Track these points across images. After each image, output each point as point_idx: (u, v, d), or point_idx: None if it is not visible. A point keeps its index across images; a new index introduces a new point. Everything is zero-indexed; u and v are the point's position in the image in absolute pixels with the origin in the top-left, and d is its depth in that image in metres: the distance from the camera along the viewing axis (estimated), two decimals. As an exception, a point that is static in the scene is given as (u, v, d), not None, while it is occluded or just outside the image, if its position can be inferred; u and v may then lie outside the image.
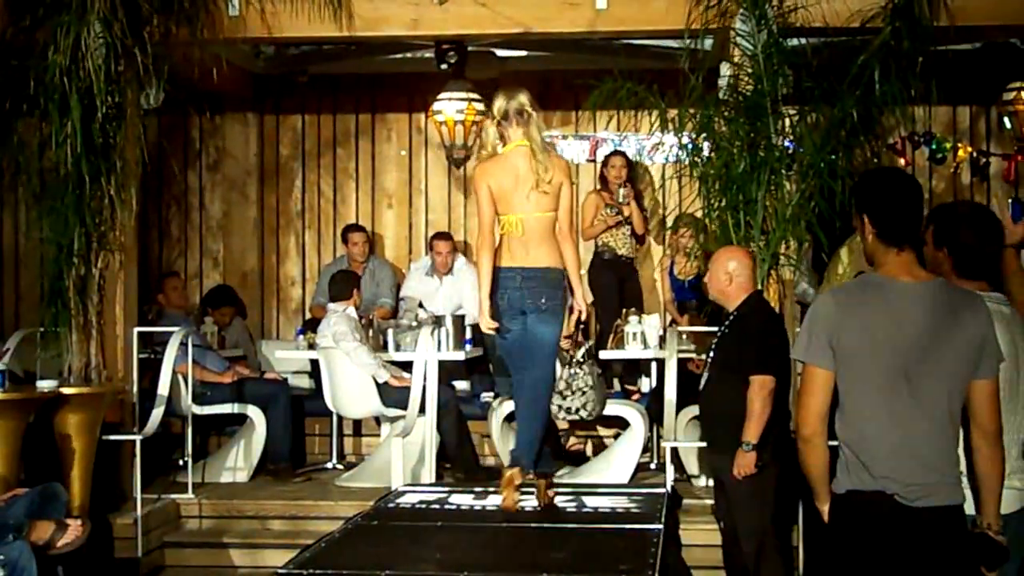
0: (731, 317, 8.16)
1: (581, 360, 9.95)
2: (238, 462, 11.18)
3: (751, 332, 7.98)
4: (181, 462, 10.60)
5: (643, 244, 12.92)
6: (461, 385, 12.04)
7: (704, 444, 8.84)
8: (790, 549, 8.91)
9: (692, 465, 10.38)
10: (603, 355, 11.88)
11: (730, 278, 8.15)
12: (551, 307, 8.20)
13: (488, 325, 8.20)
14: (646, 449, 11.05)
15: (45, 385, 9.05)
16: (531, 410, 8.39)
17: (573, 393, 9.86)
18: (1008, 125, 12.70)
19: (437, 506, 8.76)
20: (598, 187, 12.73)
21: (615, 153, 12.63)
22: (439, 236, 12.84)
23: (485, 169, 8.31)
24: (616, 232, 12.43)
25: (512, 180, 8.14)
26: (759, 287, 8.98)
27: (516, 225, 8.11)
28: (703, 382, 8.38)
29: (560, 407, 9.96)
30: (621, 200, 12.37)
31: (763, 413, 7.75)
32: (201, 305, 13.21)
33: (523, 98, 8.19)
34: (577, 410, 10.06)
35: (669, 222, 12.59)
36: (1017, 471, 5.45)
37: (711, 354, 8.33)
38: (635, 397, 11.82)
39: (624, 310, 11.78)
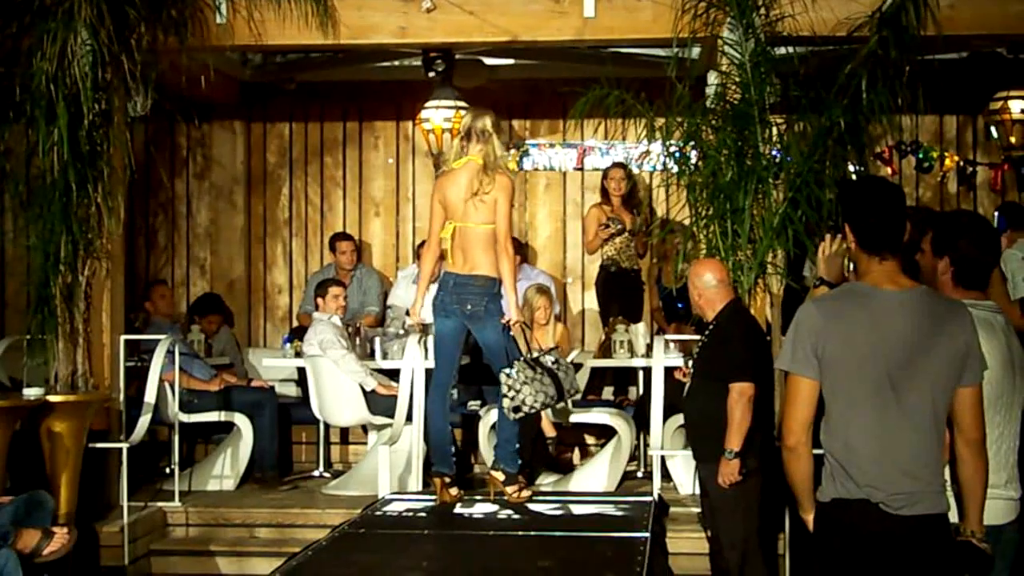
0: (710, 326, 8.22)
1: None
2: (225, 470, 11.16)
3: (729, 340, 8.06)
4: (168, 470, 10.59)
5: (644, 257, 12.86)
6: (448, 393, 12.02)
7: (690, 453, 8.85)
8: (776, 558, 8.92)
9: (679, 473, 10.37)
10: (590, 363, 11.90)
11: (704, 290, 8.22)
12: (476, 312, 8.86)
13: (414, 320, 9.39)
14: (633, 457, 11.07)
15: (31, 393, 9.05)
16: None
17: (518, 392, 8.92)
18: (995, 134, 12.73)
19: (424, 514, 8.76)
20: (600, 201, 12.72)
21: (616, 165, 12.62)
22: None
23: (438, 183, 9.29)
24: (620, 246, 12.42)
25: (455, 193, 8.92)
26: (738, 295, 9.02)
27: (449, 233, 8.84)
28: (685, 391, 8.43)
29: (509, 409, 8.89)
30: (639, 228, 12.41)
31: (744, 421, 7.80)
32: (188, 313, 13.21)
33: (487, 120, 9.00)
34: (529, 406, 8.86)
35: (655, 231, 12.59)
36: (1012, 480, 5.45)
37: (692, 363, 8.39)
38: (625, 403, 11.82)
39: (611, 319, 11.79)
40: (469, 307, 8.82)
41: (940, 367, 4.85)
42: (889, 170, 12.76)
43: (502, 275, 8.87)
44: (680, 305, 11.84)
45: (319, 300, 11.12)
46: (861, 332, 4.85)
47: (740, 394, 7.81)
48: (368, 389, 10.70)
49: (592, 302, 13.06)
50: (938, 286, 5.52)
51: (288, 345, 12.00)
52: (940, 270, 5.55)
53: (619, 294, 12.48)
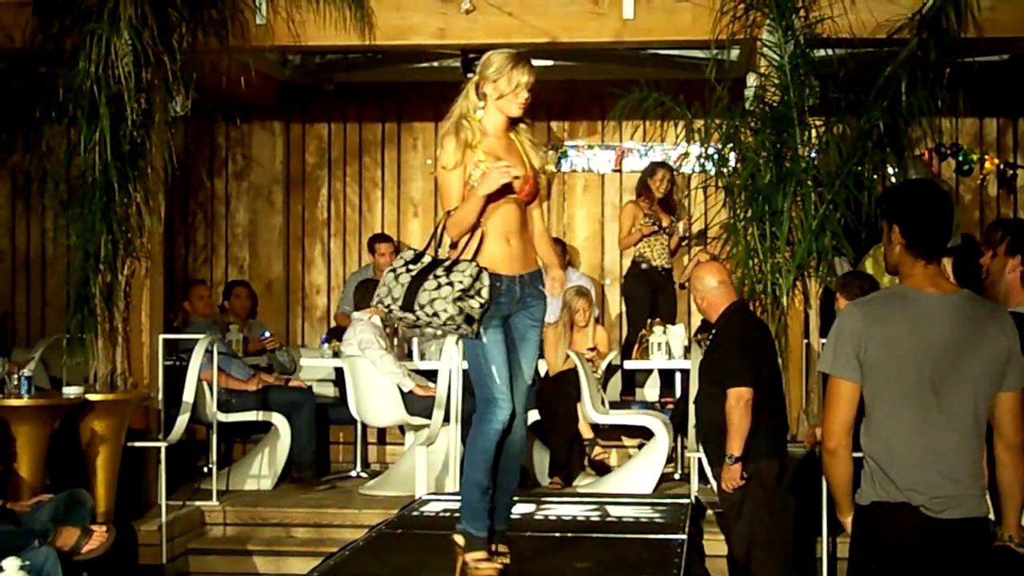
0: (713, 330, 8.25)
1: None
2: (262, 469, 11.19)
3: (726, 345, 8.11)
4: (206, 469, 10.61)
5: (675, 255, 12.84)
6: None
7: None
8: (813, 561, 8.91)
9: (715, 475, 10.37)
10: (628, 365, 11.90)
11: (706, 293, 8.26)
12: None
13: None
14: (670, 459, 11.04)
15: (71, 391, 9.09)
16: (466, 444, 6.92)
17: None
18: (1035, 137, 12.69)
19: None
20: (634, 197, 12.71)
21: (661, 165, 12.53)
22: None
23: None
24: (654, 243, 12.41)
25: None
26: (743, 296, 9.05)
27: None
28: (694, 396, 8.47)
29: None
30: (681, 233, 12.43)
31: (742, 425, 7.85)
32: (221, 303, 13.13)
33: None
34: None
35: (692, 236, 12.54)
36: None
37: (700, 368, 8.46)
38: (668, 404, 11.81)
39: (650, 320, 11.78)
40: None
41: (982, 371, 4.84)
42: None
43: None
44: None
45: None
46: (903, 335, 4.82)
47: (737, 399, 7.86)
48: (406, 390, 10.71)
49: (631, 304, 13.03)
50: (1005, 285, 5.59)
51: (326, 345, 12.04)
52: (1009, 268, 5.61)
53: (648, 291, 12.48)
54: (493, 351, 6.33)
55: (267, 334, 12.68)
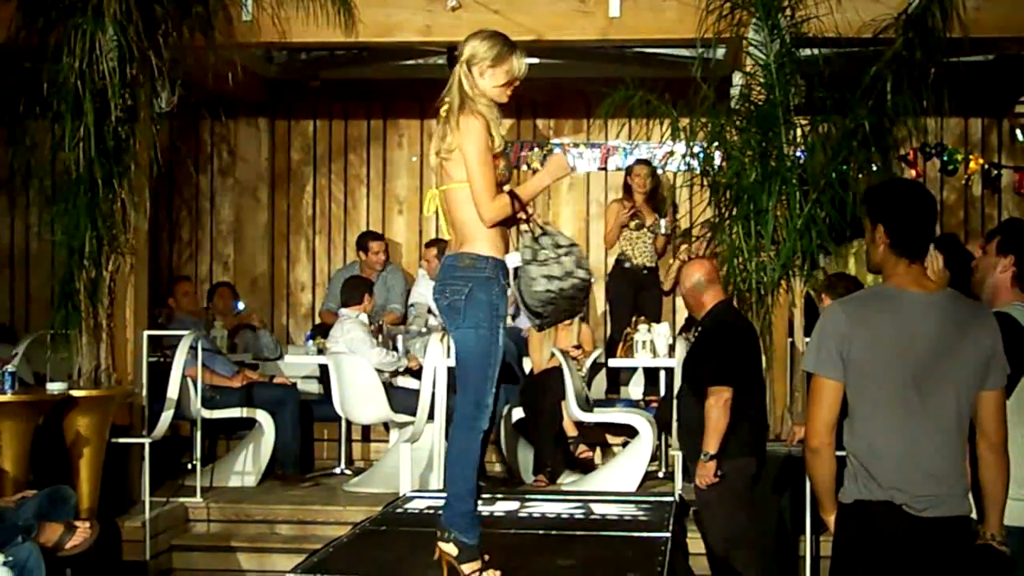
0: (698, 328, 8.27)
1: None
2: (247, 466, 11.18)
3: (709, 344, 8.14)
4: (190, 466, 10.59)
5: (661, 257, 12.85)
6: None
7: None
8: (796, 559, 8.92)
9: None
10: (612, 363, 11.90)
11: (693, 292, 8.28)
12: (454, 304, 5.95)
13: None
14: (654, 458, 11.06)
15: (55, 387, 9.07)
16: (449, 450, 6.35)
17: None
18: (1020, 137, 12.70)
19: (445, 512, 8.74)
20: (622, 196, 12.72)
21: (640, 162, 12.61)
22: (430, 243, 12.65)
23: None
24: (636, 241, 12.43)
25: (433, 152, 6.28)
26: (730, 295, 9.05)
27: (430, 205, 6.25)
28: (676, 392, 8.50)
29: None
30: (663, 231, 12.45)
31: (719, 424, 7.90)
32: (207, 305, 13.13)
33: (465, 46, 6.25)
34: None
35: (678, 234, 12.56)
36: None
37: (682, 365, 8.48)
38: (652, 403, 11.82)
39: (634, 318, 11.79)
40: (448, 297, 5.95)
41: (965, 370, 4.85)
42: (914, 172, 12.72)
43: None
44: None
45: (365, 295, 11.17)
46: (887, 334, 4.83)
47: (717, 398, 7.91)
48: (402, 369, 11.06)
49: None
50: (994, 283, 5.60)
51: (311, 342, 12.02)
52: (1000, 268, 5.62)
53: (631, 290, 12.49)
54: (500, 354, 5.97)
55: (240, 305, 12.70)
